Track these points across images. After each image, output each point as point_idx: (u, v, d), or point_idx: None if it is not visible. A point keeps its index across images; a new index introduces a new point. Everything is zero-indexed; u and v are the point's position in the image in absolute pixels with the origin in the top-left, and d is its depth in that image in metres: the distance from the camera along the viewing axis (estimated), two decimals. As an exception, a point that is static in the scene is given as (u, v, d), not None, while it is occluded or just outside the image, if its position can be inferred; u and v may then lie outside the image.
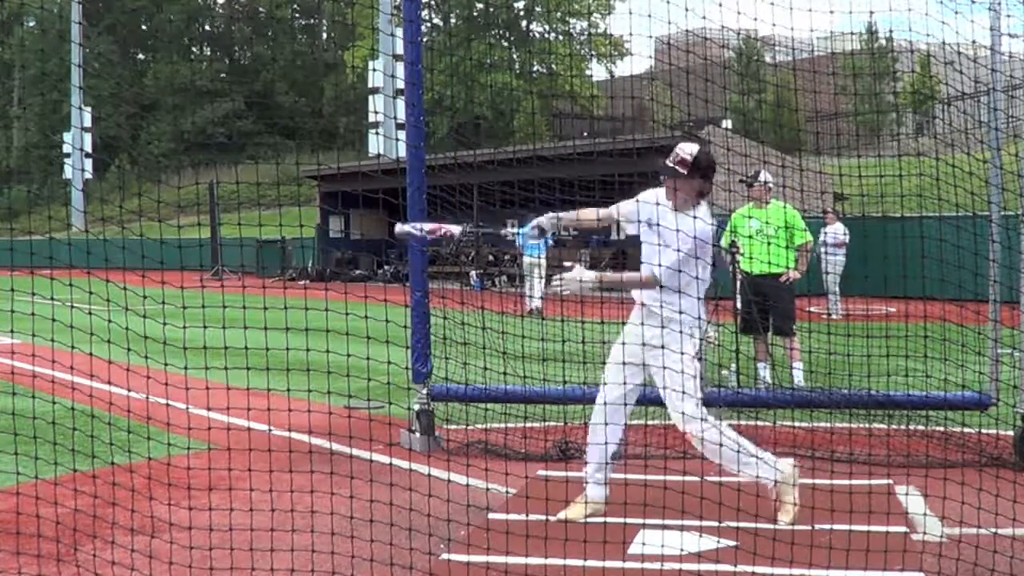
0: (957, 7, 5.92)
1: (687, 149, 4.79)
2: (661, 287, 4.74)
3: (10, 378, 7.05)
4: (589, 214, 5.05)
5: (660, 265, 4.73)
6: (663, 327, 4.72)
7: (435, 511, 4.54)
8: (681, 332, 4.74)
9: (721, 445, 4.74)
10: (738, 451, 4.74)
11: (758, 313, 8.68)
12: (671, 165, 4.80)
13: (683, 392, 4.71)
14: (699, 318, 4.85)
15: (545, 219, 5.01)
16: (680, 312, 4.73)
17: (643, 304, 4.92)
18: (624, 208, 5.06)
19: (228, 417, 5.68)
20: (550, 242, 17.78)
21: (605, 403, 4.95)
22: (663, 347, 4.71)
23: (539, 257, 17.53)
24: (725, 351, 8.05)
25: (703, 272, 4.87)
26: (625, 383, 4.87)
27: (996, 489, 4.75)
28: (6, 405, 5.95)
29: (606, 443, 4.90)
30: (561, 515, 4.86)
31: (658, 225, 4.80)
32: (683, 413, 4.72)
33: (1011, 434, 6.13)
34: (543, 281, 17.11)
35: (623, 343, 4.90)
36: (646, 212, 4.92)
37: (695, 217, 4.79)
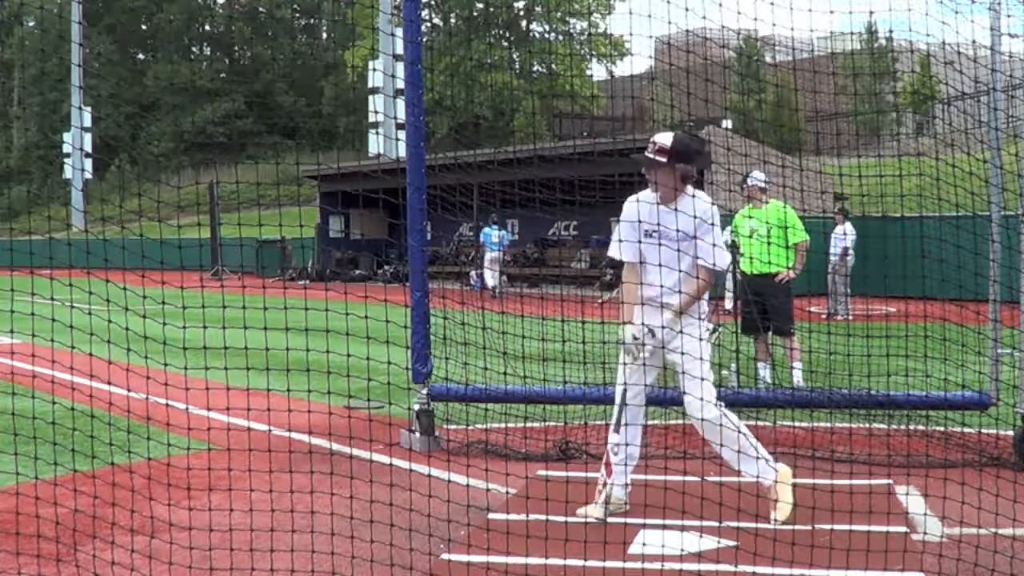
0: (957, 7, 5.91)
1: (663, 137, 4.89)
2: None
3: (10, 378, 7.05)
4: (630, 294, 5.01)
5: (680, 271, 4.79)
6: (681, 315, 4.80)
7: (435, 511, 4.54)
8: (699, 319, 4.87)
9: (738, 432, 4.78)
10: (740, 435, 4.77)
11: (757, 313, 8.68)
12: (650, 156, 4.87)
13: (701, 378, 4.77)
14: (708, 299, 4.96)
15: (636, 329, 4.91)
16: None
17: (648, 300, 4.91)
18: (622, 236, 5.00)
19: (228, 417, 5.69)
20: (508, 239, 22.14)
21: (625, 404, 4.93)
22: (681, 332, 4.78)
23: (499, 252, 22.02)
24: (725, 351, 8.05)
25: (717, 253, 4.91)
26: (638, 383, 4.90)
27: (996, 489, 4.74)
28: (6, 405, 5.95)
29: (626, 444, 4.93)
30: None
31: (659, 226, 4.83)
32: (701, 398, 4.76)
33: (1011, 434, 6.13)
34: (497, 274, 21.70)
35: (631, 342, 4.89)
36: (644, 222, 4.92)
37: (693, 196, 4.87)
